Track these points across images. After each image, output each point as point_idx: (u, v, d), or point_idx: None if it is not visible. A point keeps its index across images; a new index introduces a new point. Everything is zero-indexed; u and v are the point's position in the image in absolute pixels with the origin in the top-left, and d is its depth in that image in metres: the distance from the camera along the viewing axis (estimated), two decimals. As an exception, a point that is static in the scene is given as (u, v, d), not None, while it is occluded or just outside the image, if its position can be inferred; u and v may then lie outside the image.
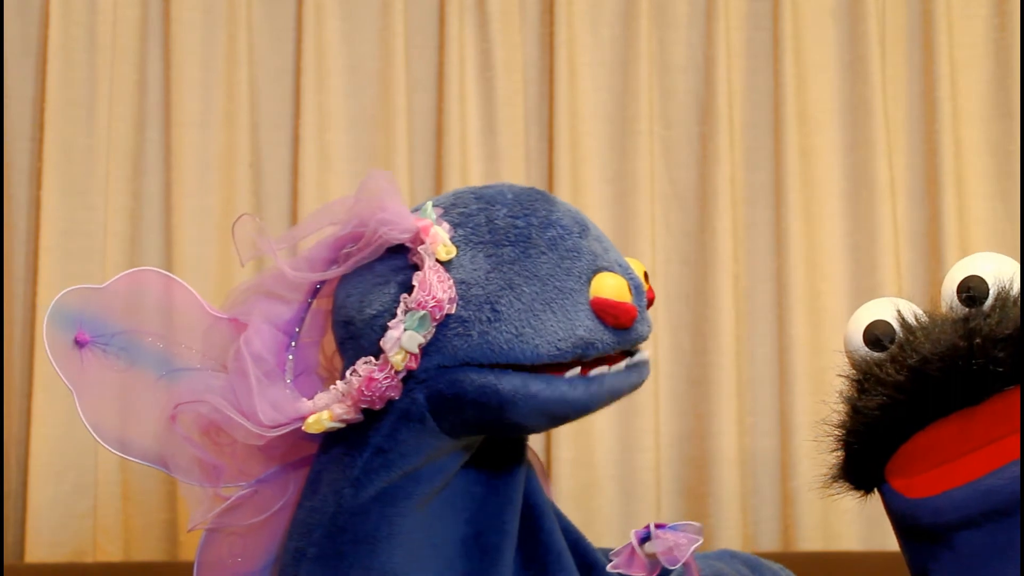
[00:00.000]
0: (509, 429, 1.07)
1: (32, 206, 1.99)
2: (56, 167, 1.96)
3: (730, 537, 1.97)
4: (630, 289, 1.06)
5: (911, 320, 1.06)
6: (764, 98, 2.08)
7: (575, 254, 1.06)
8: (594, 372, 1.05)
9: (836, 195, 2.05)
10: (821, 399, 2.08)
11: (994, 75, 2.08)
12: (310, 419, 1.06)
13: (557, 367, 1.04)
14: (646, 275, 1.11)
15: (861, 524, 1.98)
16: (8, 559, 1.92)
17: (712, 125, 2.04)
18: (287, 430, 1.07)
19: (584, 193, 2.02)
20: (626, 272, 1.08)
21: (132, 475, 1.95)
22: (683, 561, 1.08)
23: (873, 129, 2.03)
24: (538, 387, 1.03)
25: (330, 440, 1.09)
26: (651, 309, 1.14)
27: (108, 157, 1.98)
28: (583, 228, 1.09)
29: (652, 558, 1.08)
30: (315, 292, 1.14)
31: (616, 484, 1.98)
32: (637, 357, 1.10)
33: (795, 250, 2.02)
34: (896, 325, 1.06)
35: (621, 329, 1.05)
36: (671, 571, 1.11)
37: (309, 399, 1.07)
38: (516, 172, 2.03)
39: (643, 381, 1.12)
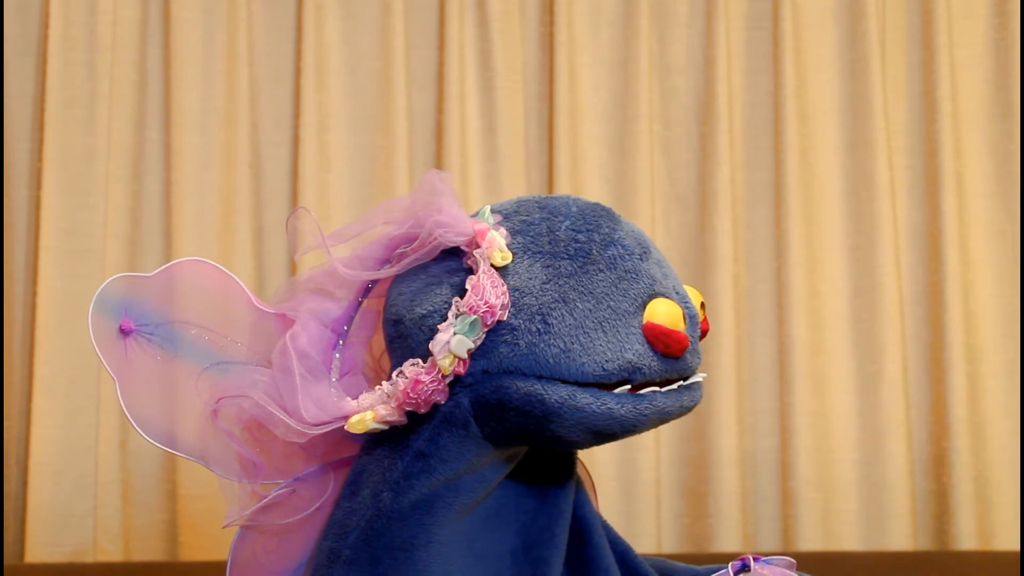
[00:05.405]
0: (552, 441, 1.03)
1: (32, 206, 1.99)
2: (56, 167, 1.96)
3: (730, 537, 1.97)
4: (684, 318, 1.03)
5: None
6: (764, 98, 2.08)
7: (633, 276, 1.03)
8: (644, 390, 1.02)
9: (836, 195, 2.05)
10: (821, 399, 2.09)
11: (994, 75, 2.08)
12: (353, 419, 1.03)
13: (605, 385, 1.01)
14: (703, 305, 1.09)
15: (861, 524, 1.98)
16: (8, 559, 1.92)
17: (712, 125, 2.04)
18: (329, 428, 1.05)
19: (584, 193, 2.01)
20: (683, 300, 1.05)
21: (132, 475, 1.95)
22: None
23: (873, 129, 2.03)
24: (586, 400, 1.00)
25: (373, 441, 1.08)
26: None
27: (108, 157, 1.98)
28: (644, 250, 1.06)
29: None
30: (366, 291, 1.12)
31: (616, 484, 1.98)
32: (691, 379, 1.06)
33: (795, 250, 2.02)
34: None
35: (671, 357, 1.02)
36: None
37: (354, 399, 1.06)
38: (516, 172, 2.03)
39: (695, 404, 1.07)
